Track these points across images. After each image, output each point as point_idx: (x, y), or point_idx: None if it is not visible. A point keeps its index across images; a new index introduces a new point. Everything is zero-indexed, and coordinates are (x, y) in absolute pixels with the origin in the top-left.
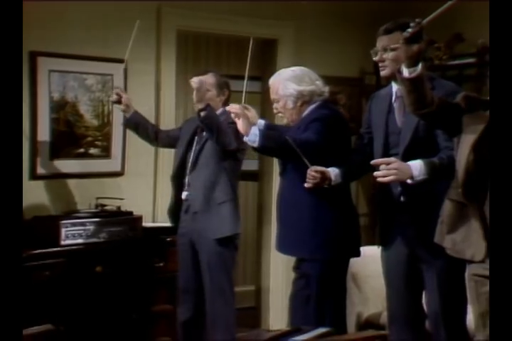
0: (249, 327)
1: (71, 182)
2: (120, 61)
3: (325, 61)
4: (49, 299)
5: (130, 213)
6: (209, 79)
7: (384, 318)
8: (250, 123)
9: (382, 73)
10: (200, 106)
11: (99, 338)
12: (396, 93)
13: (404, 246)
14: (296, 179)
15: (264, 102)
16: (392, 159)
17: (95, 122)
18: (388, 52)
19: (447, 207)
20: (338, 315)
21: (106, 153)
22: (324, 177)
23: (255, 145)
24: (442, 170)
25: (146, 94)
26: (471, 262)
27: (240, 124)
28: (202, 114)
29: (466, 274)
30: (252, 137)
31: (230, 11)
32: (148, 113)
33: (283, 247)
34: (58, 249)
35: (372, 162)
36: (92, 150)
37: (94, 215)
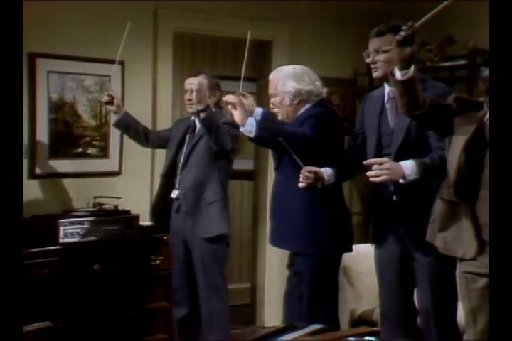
0: (244, 323)
1: (69, 182)
2: (118, 62)
3: (319, 62)
4: (47, 296)
5: (127, 212)
6: (201, 80)
7: (377, 315)
8: (247, 114)
9: (375, 75)
10: (200, 107)
11: (96, 335)
12: (388, 94)
13: (396, 244)
14: (290, 174)
15: (259, 102)
16: (384, 159)
17: (93, 122)
18: (380, 54)
19: (439, 206)
20: (331, 311)
21: (103, 152)
22: (318, 177)
23: (251, 135)
24: (434, 170)
25: (143, 94)
26: (462, 260)
27: (237, 114)
28: (202, 115)
29: (457, 271)
30: (249, 127)
31: (225, 12)
32: (145, 113)
33: (276, 241)
34: (57, 247)
35: (365, 162)
36: (90, 150)
37: (92, 214)
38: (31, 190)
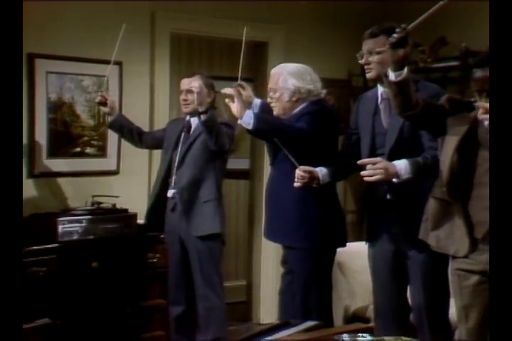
0: (240, 320)
1: (68, 181)
2: (116, 63)
3: (314, 63)
4: (46, 294)
5: (125, 210)
6: (197, 80)
7: (371, 312)
8: (245, 106)
9: (368, 75)
10: (201, 109)
11: (95, 332)
12: (382, 95)
13: (389, 242)
14: (285, 169)
15: None
16: (378, 159)
17: (91, 122)
18: (374, 55)
19: (432, 205)
20: (324, 308)
21: (102, 152)
22: (313, 176)
23: (249, 127)
24: (426, 170)
25: (140, 95)
26: (455, 257)
27: (235, 107)
28: (203, 116)
29: (450, 269)
30: (247, 119)
31: (222, 14)
32: (142, 114)
33: (270, 234)
34: (55, 245)
35: (359, 162)
36: (88, 150)
37: (90, 213)
38: (30, 189)
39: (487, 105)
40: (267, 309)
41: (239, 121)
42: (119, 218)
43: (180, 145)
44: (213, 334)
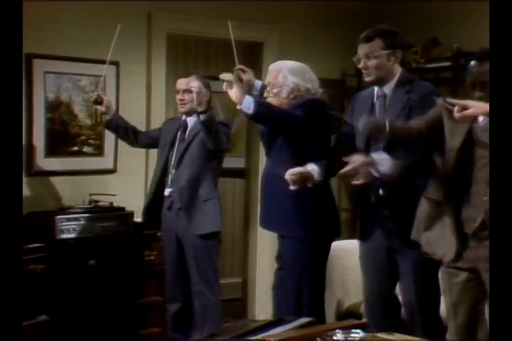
0: (235, 317)
1: (65, 179)
2: (113, 63)
3: (308, 63)
4: (44, 291)
5: (122, 209)
6: (192, 81)
7: (364, 308)
8: (245, 91)
9: (367, 79)
10: (200, 108)
11: (92, 329)
12: (377, 93)
13: (381, 238)
14: (281, 158)
15: None
16: (357, 160)
17: (89, 121)
18: (372, 59)
19: (424, 206)
20: (317, 303)
21: (99, 151)
22: (303, 176)
23: (250, 112)
24: (412, 169)
25: (137, 95)
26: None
27: (233, 92)
28: (202, 116)
29: (440, 266)
30: (247, 104)
31: (217, 15)
32: (139, 113)
33: (265, 223)
34: (53, 243)
35: (344, 158)
36: (86, 149)
37: (87, 211)
38: (28, 188)
39: (463, 102)
40: (262, 306)
41: (238, 107)
42: (116, 216)
43: (176, 144)
44: (209, 331)
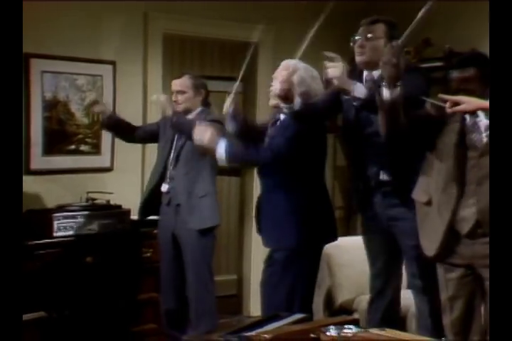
0: (231, 313)
1: (63, 177)
2: (109, 62)
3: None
4: (42, 288)
5: (119, 207)
6: (185, 81)
7: (357, 304)
8: (216, 138)
9: (360, 59)
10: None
11: (89, 324)
12: (365, 77)
13: (383, 223)
14: (273, 182)
15: (246, 102)
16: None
17: (86, 120)
18: (370, 41)
19: (416, 204)
20: (307, 303)
21: (96, 149)
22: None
23: (223, 159)
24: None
25: (133, 94)
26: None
27: (207, 138)
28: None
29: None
30: (220, 151)
31: (213, 15)
32: (135, 112)
33: (268, 242)
34: (51, 240)
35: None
36: (83, 147)
37: (84, 208)
38: (26, 186)
39: (455, 98)
40: (257, 302)
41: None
42: (113, 214)
43: (175, 140)
44: (204, 327)
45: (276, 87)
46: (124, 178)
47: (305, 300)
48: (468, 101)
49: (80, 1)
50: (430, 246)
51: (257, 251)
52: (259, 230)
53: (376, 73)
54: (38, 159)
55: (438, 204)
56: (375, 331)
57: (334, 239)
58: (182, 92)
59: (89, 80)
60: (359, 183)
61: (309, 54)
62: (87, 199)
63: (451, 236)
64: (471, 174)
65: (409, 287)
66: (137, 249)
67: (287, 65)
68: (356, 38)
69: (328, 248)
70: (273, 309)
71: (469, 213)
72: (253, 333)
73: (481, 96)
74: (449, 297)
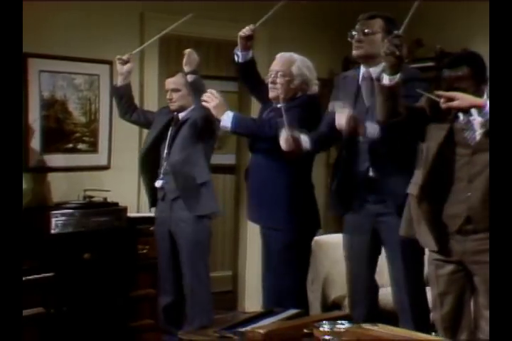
0: (226, 309)
1: (60, 175)
2: (106, 62)
3: None
4: (40, 284)
5: (116, 204)
6: (179, 79)
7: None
8: (225, 106)
9: (357, 52)
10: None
11: (86, 320)
12: (363, 74)
13: (366, 220)
14: (264, 156)
15: (240, 101)
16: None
17: (83, 119)
18: (367, 35)
19: (408, 201)
20: (302, 294)
21: (93, 148)
22: (294, 139)
23: (228, 128)
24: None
25: None
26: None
27: (213, 107)
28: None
29: (427, 259)
30: (226, 120)
31: (209, 15)
32: None
33: (252, 217)
34: (49, 237)
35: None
36: (80, 146)
37: (82, 206)
38: (24, 183)
39: (448, 93)
40: (252, 298)
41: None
42: (110, 211)
43: (168, 135)
44: (200, 323)
45: (277, 79)
46: (121, 176)
47: (301, 292)
48: (463, 98)
49: (77, 1)
50: (430, 242)
51: (252, 248)
52: (248, 205)
53: (373, 70)
54: (36, 157)
55: (427, 199)
56: (367, 326)
57: (318, 226)
58: (176, 90)
59: (87, 80)
60: (345, 180)
61: (305, 54)
62: (85, 197)
63: (443, 233)
64: (462, 171)
65: (392, 281)
66: (134, 246)
67: (284, 57)
68: (354, 33)
69: (321, 244)
70: (272, 301)
71: (460, 209)
72: (248, 328)
73: (474, 94)
74: (440, 292)
